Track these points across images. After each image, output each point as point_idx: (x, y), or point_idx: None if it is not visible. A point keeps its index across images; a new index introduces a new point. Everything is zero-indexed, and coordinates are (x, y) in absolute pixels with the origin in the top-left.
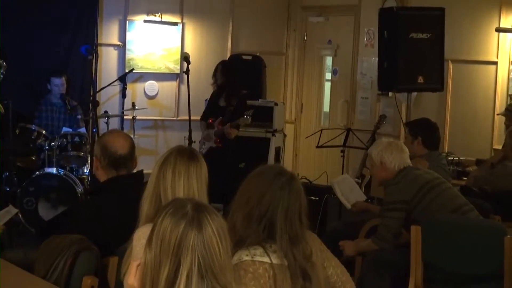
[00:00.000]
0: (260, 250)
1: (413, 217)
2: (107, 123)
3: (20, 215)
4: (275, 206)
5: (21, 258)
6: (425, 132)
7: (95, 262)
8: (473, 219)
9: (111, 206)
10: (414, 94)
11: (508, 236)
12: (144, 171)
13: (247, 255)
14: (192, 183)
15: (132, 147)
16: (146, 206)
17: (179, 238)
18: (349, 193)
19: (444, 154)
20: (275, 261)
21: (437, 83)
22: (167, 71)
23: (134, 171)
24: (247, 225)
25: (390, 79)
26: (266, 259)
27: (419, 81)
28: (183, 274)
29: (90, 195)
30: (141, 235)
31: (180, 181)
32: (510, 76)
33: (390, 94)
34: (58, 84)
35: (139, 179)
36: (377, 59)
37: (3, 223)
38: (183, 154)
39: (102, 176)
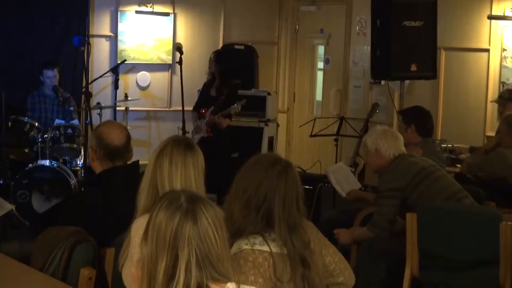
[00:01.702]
0: (260, 239)
1: (408, 204)
2: (100, 115)
3: (14, 209)
4: (272, 194)
5: (17, 250)
6: (418, 120)
7: (92, 254)
8: (468, 205)
9: (107, 197)
10: (407, 82)
11: (504, 222)
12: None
13: (246, 244)
14: (189, 173)
15: (128, 138)
16: (143, 197)
17: (175, 231)
18: (344, 181)
19: (438, 141)
20: (274, 249)
21: (430, 71)
22: (159, 62)
23: (130, 162)
24: (245, 214)
25: (383, 67)
26: (265, 248)
27: (412, 69)
28: (181, 267)
29: (86, 186)
30: (139, 226)
31: (177, 171)
32: (502, 63)
33: (383, 82)
34: (51, 76)
35: (135, 170)
36: (369, 47)
37: None
38: (179, 144)
39: (97, 167)
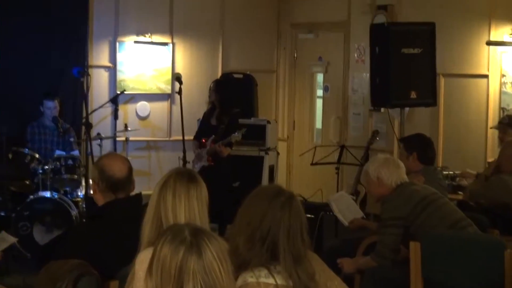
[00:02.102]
0: (265, 272)
1: (411, 233)
2: (100, 145)
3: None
4: (276, 226)
5: (20, 284)
6: (420, 148)
7: (96, 286)
8: (472, 233)
9: (110, 229)
10: (407, 109)
11: (508, 250)
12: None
13: (251, 276)
14: (193, 206)
15: (130, 170)
16: (147, 229)
17: (179, 265)
18: (346, 210)
19: (439, 168)
20: (280, 281)
21: (430, 98)
22: (158, 92)
23: (132, 193)
24: (249, 247)
25: (383, 95)
26: (271, 280)
27: (411, 96)
28: None
29: (88, 218)
30: (143, 259)
31: (181, 203)
32: (502, 89)
33: (383, 109)
34: (51, 106)
35: (138, 202)
36: (368, 74)
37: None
38: (182, 177)
39: (100, 199)
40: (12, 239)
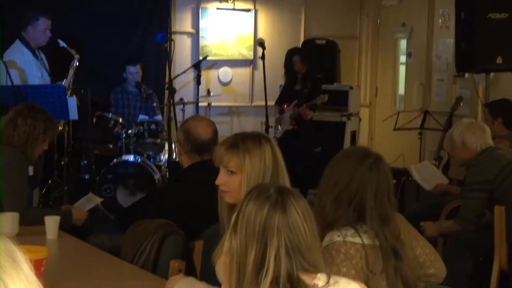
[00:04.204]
0: (352, 231)
1: (495, 198)
2: (183, 110)
3: (99, 203)
4: (364, 187)
5: (106, 243)
6: (505, 113)
7: (181, 246)
8: None
9: (195, 191)
10: (492, 74)
11: None
12: None
13: (338, 236)
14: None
15: (215, 132)
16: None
17: (264, 221)
18: (429, 176)
19: None
20: (366, 241)
21: None
22: (241, 58)
23: None
24: (336, 207)
25: (468, 60)
26: (357, 240)
27: (497, 61)
28: (271, 257)
29: (171, 181)
30: None
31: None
32: None
33: (467, 75)
34: (133, 72)
35: None
36: (452, 40)
37: (87, 210)
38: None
39: (185, 161)
40: (98, 199)
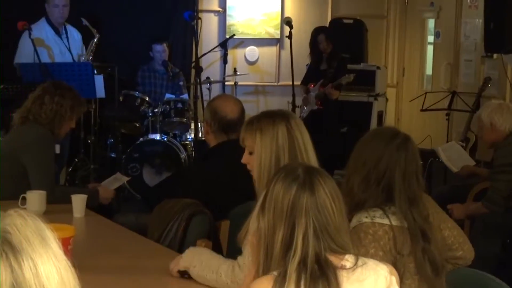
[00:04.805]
0: (380, 212)
1: None
2: (209, 89)
3: (126, 182)
4: (392, 168)
5: (133, 222)
6: None
7: (208, 226)
8: None
9: (222, 170)
10: None
11: None
12: None
13: (366, 217)
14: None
15: (242, 111)
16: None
17: (292, 201)
18: (456, 157)
19: None
20: (394, 222)
21: None
22: (267, 37)
23: None
24: (364, 188)
25: (497, 40)
26: (385, 221)
27: None
28: (299, 237)
29: (198, 160)
30: None
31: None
32: None
33: (495, 56)
34: (160, 50)
35: None
36: (481, 20)
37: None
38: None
39: (212, 140)
40: (125, 178)
